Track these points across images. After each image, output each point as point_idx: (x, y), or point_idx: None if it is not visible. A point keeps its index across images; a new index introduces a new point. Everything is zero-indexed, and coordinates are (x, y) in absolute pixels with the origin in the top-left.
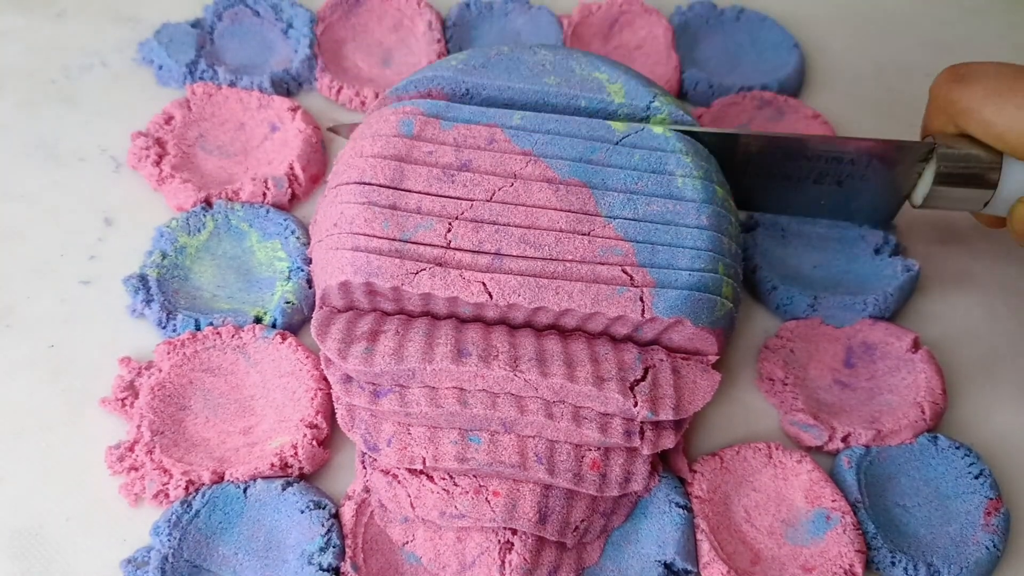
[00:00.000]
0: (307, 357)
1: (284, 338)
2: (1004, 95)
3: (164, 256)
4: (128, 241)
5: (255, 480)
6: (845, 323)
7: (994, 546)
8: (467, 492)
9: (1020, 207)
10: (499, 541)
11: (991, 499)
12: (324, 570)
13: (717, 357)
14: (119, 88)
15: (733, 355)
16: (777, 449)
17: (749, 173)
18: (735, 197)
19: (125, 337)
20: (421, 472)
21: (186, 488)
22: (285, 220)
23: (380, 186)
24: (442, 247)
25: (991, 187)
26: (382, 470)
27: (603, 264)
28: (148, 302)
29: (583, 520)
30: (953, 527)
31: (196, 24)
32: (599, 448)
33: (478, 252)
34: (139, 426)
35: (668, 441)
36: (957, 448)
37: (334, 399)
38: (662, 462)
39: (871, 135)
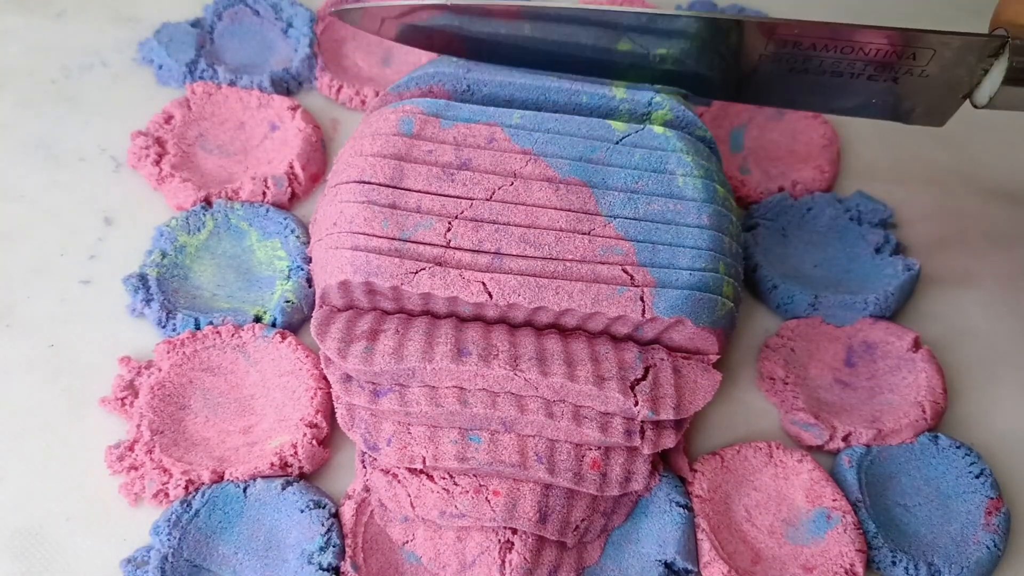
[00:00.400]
0: (307, 356)
1: (284, 337)
2: None
3: (164, 255)
4: (128, 241)
5: (255, 479)
6: (846, 322)
7: (995, 545)
8: (467, 491)
9: None
10: (499, 541)
11: (992, 498)
12: (324, 569)
13: (718, 357)
14: (119, 88)
15: (733, 354)
16: (778, 448)
17: (796, 68)
18: (778, 96)
19: (125, 337)
20: (421, 471)
21: (186, 487)
22: (285, 219)
23: (380, 185)
24: (442, 246)
25: None
26: (382, 469)
27: (603, 263)
28: (148, 301)
29: (583, 519)
30: (954, 526)
31: (196, 24)
32: (599, 447)
33: (478, 251)
34: (139, 425)
35: (669, 441)
36: (958, 447)
37: (334, 398)
38: (662, 461)
39: (872, 136)
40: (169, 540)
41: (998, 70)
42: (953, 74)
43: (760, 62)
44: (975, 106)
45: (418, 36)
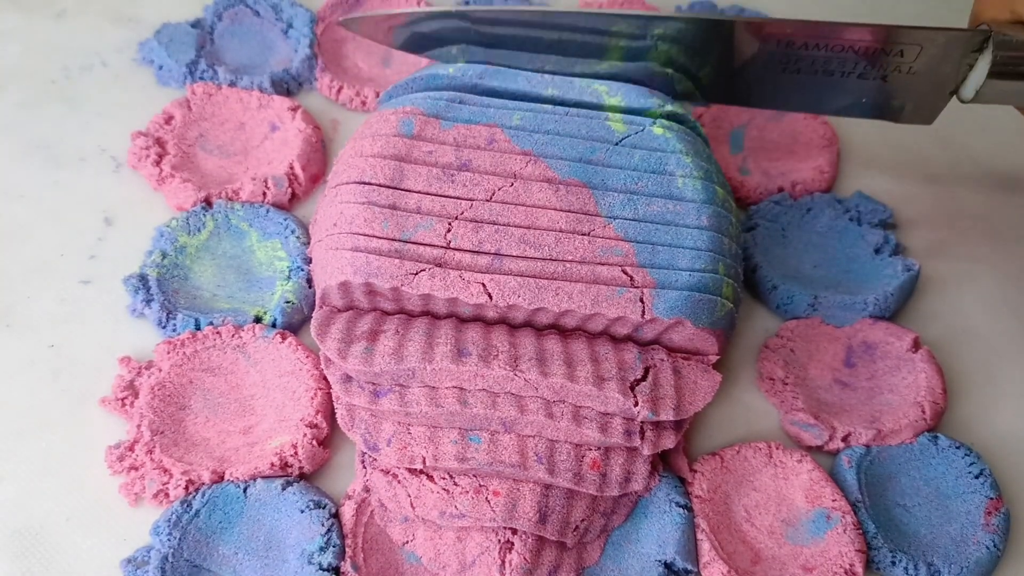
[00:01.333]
0: (307, 357)
1: (284, 338)
2: None
3: (164, 256)
4: (128, 241)
5: (255, 480)
6: (845, 323)
7: (994, 546)
8: (467, 492)
9: None
10: (499, 541)
11: (991, 499)
12: (324, 570)
13: (717, 357)
14: (119, 88)
15: (733, 354)
16: (777, 449)
17: (788, 68)
18: (770, 97)
19: (125, 337)
20: (421, 472)
21: (186, 488)
22: (285, 220)
23: (380, 186)
24: (442, 247)
25: None
26: (382, 470)
27: (603, 264)
28: (148, 302)
29: (583, 520)
30: (953, 527)
31: (196, 24)
32: (599, 448)
33: (478, 252)
34: (139, 426)
35: (668, 441)
36: (957, 448)
37: (334, 399)
38: (662, 462)
39: (872, 136)
40: (169, 540)
41: (983, 64)
42: (940, 70)
43: (751, 62)
44: (962, 101)
45: (421, 43)
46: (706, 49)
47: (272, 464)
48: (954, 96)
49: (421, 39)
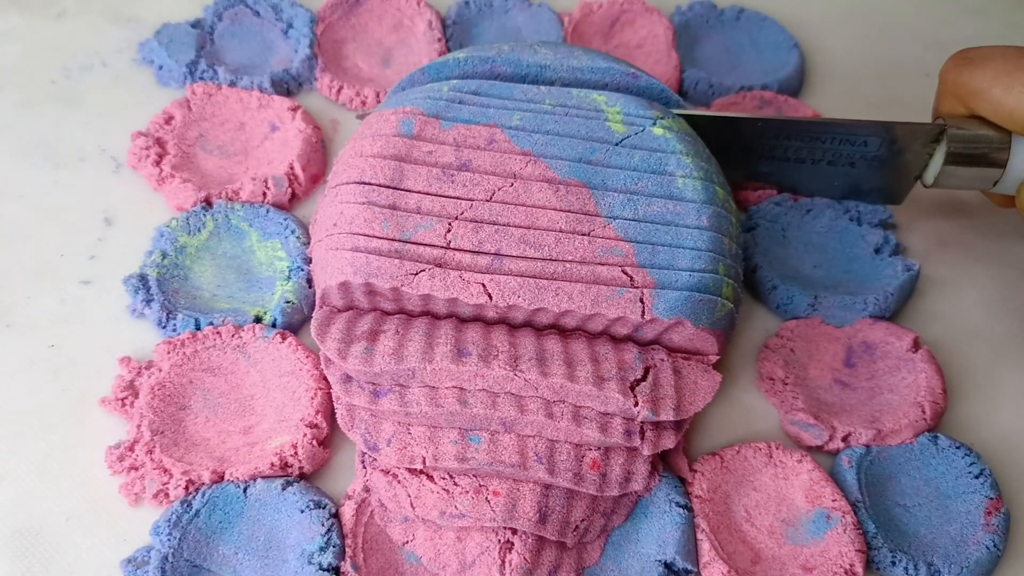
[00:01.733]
0: (307, 357)
1: (284, 338)
2: (1013, 75)
3: (164, 256)
4: (128, 241)
5: (255, 480)
6: (845, 323)
7: (994, 546)
8: (467, 492)
9: None
10: (499, 541)
11: (991, 499)
12: (324, 570)
13: (717, 357)
14: (119, 88)
15: (733, 354)
16: (777, 449)
17: (765, 156)
18: (749, 176)
19: (125, 337)
20: (421, 472)
21: (186, 488)
22: (285, 220)
23: (380, 186)
24: (442, 247)
25: (1000, 166)
26: (382, 470)
27: (603, 265)
28: (148, 302)
29: (583, 520)
30: (953, 527)
31: (196, 24)
32: (599, 448)
33: (478, 252)
34: (139, 426)
35: (668, 441)
36: (957, 448)
37: (334, 399)
38: (662, 462)
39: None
40: (169, 540)
41: (940, 153)
42: (903, 158)
43: (727, 150)
44: (925, 186)
45: None
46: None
47: (272, 464)
48: (919, 181)
49: None
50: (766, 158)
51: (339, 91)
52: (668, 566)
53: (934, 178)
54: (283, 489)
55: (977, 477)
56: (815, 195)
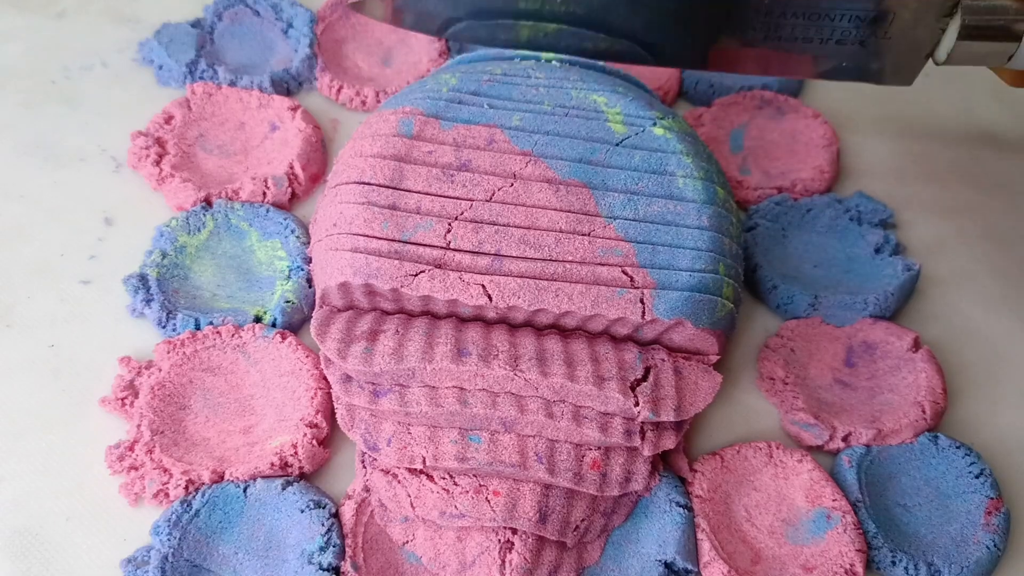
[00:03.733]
0: (307, 356)
1: (284, 337)
2: None
3: (164, 255)
4: (128, 241)
5: (255, 479)
6: (845, 322)
7: (995, 546)
8: (467, 492)
9: None
10: (499, 540)
11: (992, 498)
12: (324, 570)
13: (718, 357)
14: (119, 88)
15: (733, 354)
16: (778, 448)
17: (770, 36)
18: (754, 67)
19: (125, 337)
20: (421, 472)
21: (186, 487)
22: (285, 219)
23: (380, 186)
24: (442, 248)
25: (1016, 39)
26: (382, 470)
27: (603, 265)
28: (148, 302)
29: (583, 520)
30: (954, 526)
31: (196, 24)
32: (599, 447)
33: (478, 253)
34: (139, 425)
35: (669, 442)
36: (958, 447)
37: (334, 399)
38: (662, 461)
39: (872, 136)
40: (169, 540)
41: (953, 28)
42: (914, 34)
43: (731, 30)
44: (936, 63)
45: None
46: (689, 17)
47: (272, 464)
48: (930, 59)
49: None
50: (771, 39)
51: (339, 91)
52: (668, 566)
53: (947, 54)
54: (283, 489)
55: (977, 477)
56: (822, 78)
